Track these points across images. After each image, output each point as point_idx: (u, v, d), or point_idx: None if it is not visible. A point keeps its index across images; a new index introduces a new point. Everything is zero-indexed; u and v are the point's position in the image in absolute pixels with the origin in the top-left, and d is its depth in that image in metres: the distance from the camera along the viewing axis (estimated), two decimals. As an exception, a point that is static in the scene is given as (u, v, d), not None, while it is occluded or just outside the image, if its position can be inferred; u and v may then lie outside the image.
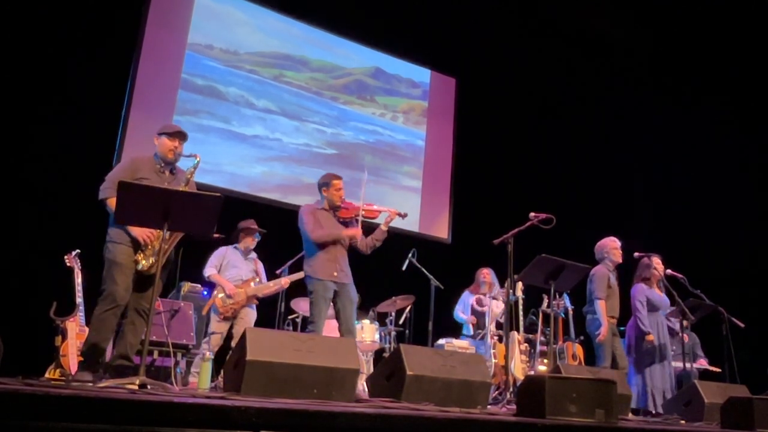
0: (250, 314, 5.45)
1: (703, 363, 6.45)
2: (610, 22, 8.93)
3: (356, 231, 4.74)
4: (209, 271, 5.48)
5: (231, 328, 5.36)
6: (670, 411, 4.87)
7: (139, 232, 3.76)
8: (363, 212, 4.79)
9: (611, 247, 5.77)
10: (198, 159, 3.94)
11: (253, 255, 5.71)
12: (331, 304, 4.73)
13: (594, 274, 5.60)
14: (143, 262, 3.79)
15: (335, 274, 4.66)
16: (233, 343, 5.26)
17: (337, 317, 4.75)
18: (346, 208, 4.87)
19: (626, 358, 5.64)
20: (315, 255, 4.71)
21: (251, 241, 5.64)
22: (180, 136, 4.01)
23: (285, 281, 5.61)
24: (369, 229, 4.94)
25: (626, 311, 5.84)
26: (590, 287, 5.61)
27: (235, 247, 5.65)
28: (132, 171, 3.87)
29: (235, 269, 5.52)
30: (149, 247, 3.80)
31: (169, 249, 3.84)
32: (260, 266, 5.72)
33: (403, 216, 4.87)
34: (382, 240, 4.89)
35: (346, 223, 4.88)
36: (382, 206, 4.93)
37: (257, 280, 5.55)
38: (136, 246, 3.79)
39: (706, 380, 5.25)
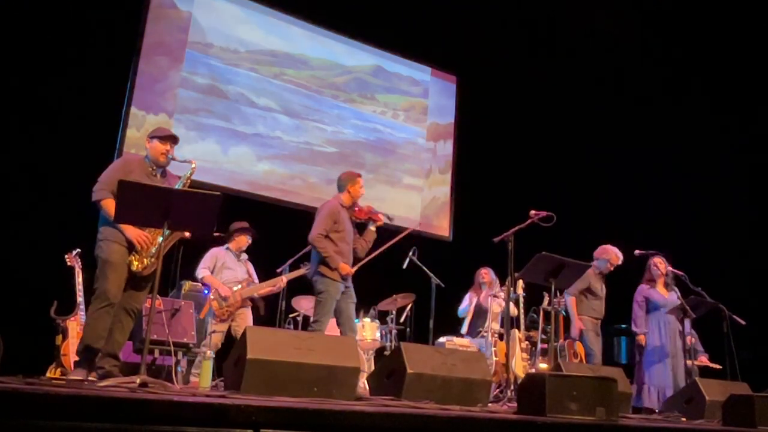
0: (248, 314, 5.45)
1: (703, 360, 6.44)
2: (612, 19, 8.91)
3: (350, 271, 4.82)
4: (202, 272, 5.44)
5: (230, 329, 5.36)
6: (671, 408, 4.88)
7: (135, 235, 3.76)
8: (372, 217, 5.01)
9: (613, 256, 5.78)
10: (194, 165, 3.95)
11: (245, 257, 5.68)
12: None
13: None
14: (136, 263, 3.79)
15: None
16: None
17: (338, 315, 4.79)
18: (360, 209, 4.99)
19: (600, 356, 5.68)
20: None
21: (245, 242, 5.60)
22: (172, 139, 4.03)
23: (282, 281, 5.58)
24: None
25: (627, 312, 5.85)
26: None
27: (228, 249, 5.60)
28: (125, 173, 3.85)
29: (230, 271, 5.50)
30: (144, 250, 3.80)
31: (166, 249, 3.82)
32: (251, 268, 5.71)
33: (391, 219, 5.13)
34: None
35: (359, 224, 5.01)
36: (379, 211, 5.10)
37: (250, 281, 5.54)
38: (131, 247, 3.79)
39: (707, 378, 5.25)
